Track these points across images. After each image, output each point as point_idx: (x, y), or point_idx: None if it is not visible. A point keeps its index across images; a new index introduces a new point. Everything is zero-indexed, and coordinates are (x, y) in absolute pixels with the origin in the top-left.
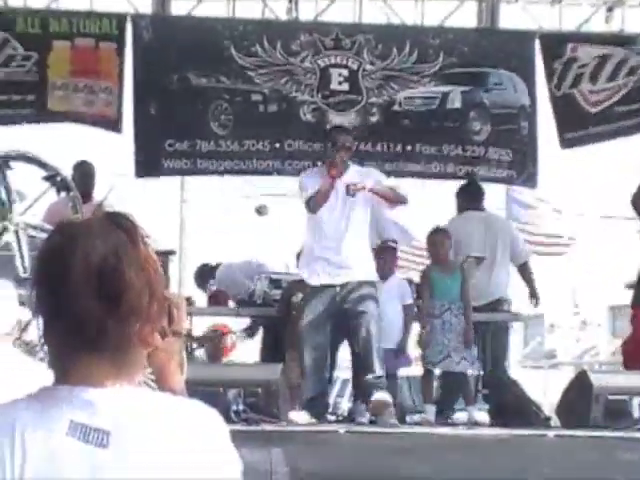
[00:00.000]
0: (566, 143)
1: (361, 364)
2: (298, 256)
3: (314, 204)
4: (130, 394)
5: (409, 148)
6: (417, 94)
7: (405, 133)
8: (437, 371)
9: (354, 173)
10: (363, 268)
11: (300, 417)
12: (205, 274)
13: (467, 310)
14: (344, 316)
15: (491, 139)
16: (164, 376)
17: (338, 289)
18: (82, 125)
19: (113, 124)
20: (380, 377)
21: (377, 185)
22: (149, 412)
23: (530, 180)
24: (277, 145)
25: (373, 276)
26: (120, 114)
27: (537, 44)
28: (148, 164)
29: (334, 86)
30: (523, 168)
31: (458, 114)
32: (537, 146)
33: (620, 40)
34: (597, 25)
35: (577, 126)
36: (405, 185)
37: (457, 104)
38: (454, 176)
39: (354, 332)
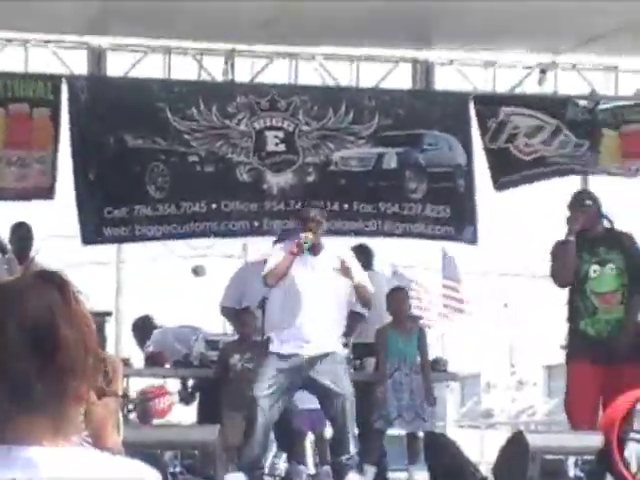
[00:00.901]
0: (500, 186)
1: (337, 445)
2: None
3: (270, 280)
4: (70, 452)
5: (346, 207)
6: (353, 154)
7: (342, 192)
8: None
9: (333, 256)
10: (330, 340)
11: (237, 478)
12: (145, 328)
13: (426, 368)
14: (312, 388)
15: (428, 197)
16: (101, 436)
17: (305, 359)
18: (15, 201)
19: (46, 192)
20: (352, 456)
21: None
22: (89, 471)
23: (471, 237)
24: (214, 206)
25: (340, 348)
26: (54, 181)
27: (471, 105)
28: (91, 232)
29: (270, 148)
30: (462, 225)
31: (394, 174)
32: (475, 203)
33: (552, 103)
34: (530, 87)
35: (511, 171)
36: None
37: (393, 164)
38: (391, 234)
39: (328, 412)
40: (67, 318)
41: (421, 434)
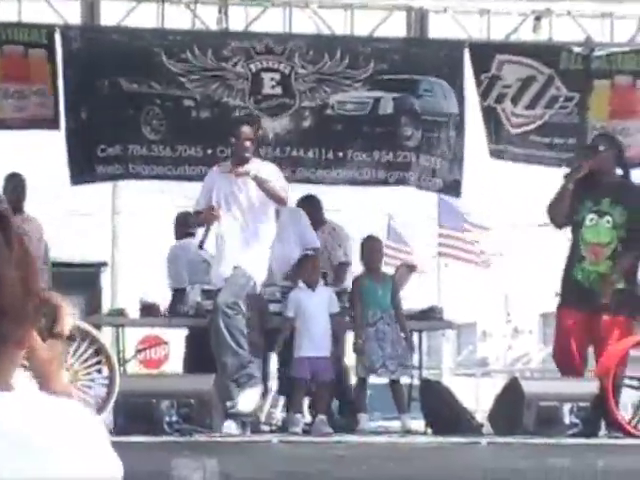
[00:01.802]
0: (493, 153)
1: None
2: None
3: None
4: (7, 395)
5: (340, 154)
6: (349, 99)
7: (337, 138)
8: (371, 380)
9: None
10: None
11: (230, 427)
12: (186, 225)
13: (401, 318)
14: None
15: (422, 146)
16: (47, 379)
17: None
18: (16, 130)
19: (50, 122)
20: (247, 374)
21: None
22: (27, 413)
23: (455, 189)
24: (209, 151)
25: (254, 273)
26: (57, 112)
27: (466, 53)
28: (82, 171)
29: (266, 90)
30: (449, 177)
31: (389, 119)
32: (463, 155)
33: (547, 50)
34: (525, 34)
35: (500, 140)
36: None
37: (389, 110)
38: (385, 182)
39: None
40: (7, 258)
41: (405, 380)
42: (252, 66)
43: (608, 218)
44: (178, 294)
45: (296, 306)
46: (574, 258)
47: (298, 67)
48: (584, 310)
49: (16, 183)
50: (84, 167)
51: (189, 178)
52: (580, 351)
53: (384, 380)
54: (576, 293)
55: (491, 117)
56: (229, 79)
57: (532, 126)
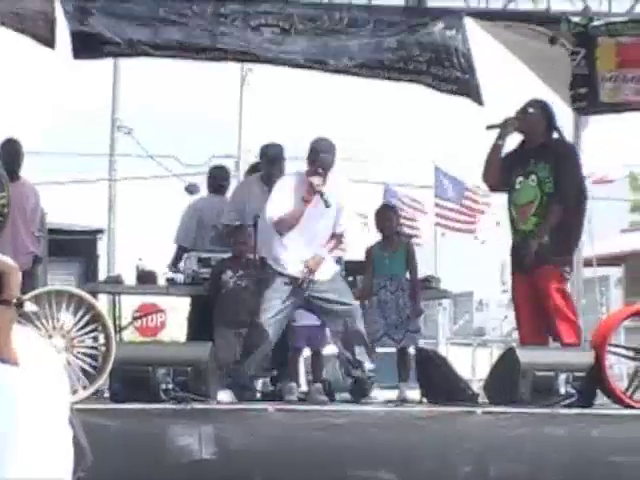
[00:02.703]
0: None
1: (350, 360)
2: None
3: (282, 228)
4: None
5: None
6: (352, 41)
7: (345, 53)
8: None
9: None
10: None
11: (225, 396)
12: (222, 176)
13: (414, 285)
14: (314, 305)
15: (431, 61)
16: None
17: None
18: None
19: (46, 41)
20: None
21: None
22: None
23: (476, 94)
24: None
25: (336, 267)
26: (53, 35)
27: (465, 22)
28: (86, 46)
29: (267, 36)
30: (467, 87)
31: (395, 48)
32: (477, 79)
33: (546, 19)
34: (523, 4)
35: None
36: None
37: (392, 45)
38: (398, 80)
39: (334, 327)
40: None
41: (412, 351)
42: (251, 22)
43: (533, 177)
44: (181, 251)
45: None
46: (510, 224)
47: (297, 24)
48: (522, 271)
49: (11, 149)
50: (89, 44)
51: (199, 55)
52: (530, 316)
53: (381, 350)
54: (514, 256)
55: None
56: (229, 28)
57: None
